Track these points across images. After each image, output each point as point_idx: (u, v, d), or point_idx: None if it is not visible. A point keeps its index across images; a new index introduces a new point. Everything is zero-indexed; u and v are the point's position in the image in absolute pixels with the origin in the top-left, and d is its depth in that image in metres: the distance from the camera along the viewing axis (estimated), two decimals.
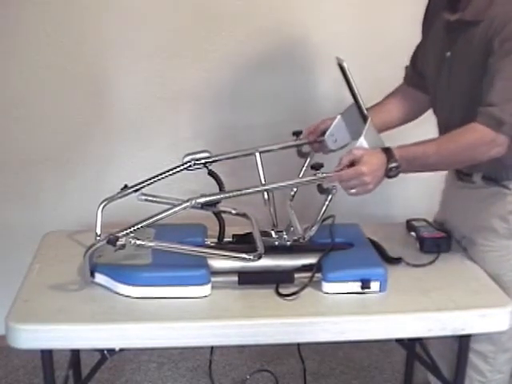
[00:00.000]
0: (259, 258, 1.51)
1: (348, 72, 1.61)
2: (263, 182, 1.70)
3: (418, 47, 1.84)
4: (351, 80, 1.62)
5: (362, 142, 1.56)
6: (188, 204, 1.54)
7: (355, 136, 1.69)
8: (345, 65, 1.61)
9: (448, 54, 1.64)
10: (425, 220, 1.89)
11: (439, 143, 1.56)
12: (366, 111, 1.65)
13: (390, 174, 1.51)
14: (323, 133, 1.78)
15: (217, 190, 1.73)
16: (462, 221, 1.78)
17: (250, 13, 2.37)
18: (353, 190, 1.51)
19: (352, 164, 1.50)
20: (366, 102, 1.72)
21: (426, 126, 1.82)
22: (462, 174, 1.75)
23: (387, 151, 1.52)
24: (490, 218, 1.68)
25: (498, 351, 1.70)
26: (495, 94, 1.49)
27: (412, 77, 1.87)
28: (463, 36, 1.60)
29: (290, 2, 2.39)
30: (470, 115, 1.55)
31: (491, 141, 1.50)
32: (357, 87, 1.64)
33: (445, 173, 1.88)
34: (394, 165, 1.51)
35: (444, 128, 1.73)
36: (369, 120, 1.61)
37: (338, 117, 1.76)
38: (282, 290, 1.54)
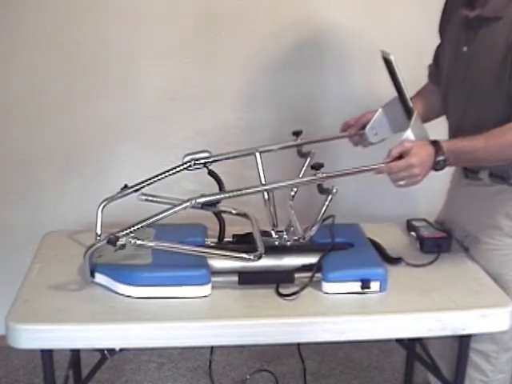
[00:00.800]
0: (259, 257, 1.50)
1: (395, 65, 1.61)
2: (263, 182, 1.70)
3: (439, 46, 1.84)
4: (398, 73, 1.62)
5: (409, 134, 1.56)
6: (188, 204, 1.54)
7: (396, 129, 1.71)
8: (392, 58, 1.61)
9: (465, 48, 1.64)
10: (425, 220, 1.88)
11: (486, 139, 1.55)
12: (411, 104, 1.65)
13: (437, 166, 1.53)
14: (363, 126, 1.79)
15: (217, 190, 1.73)
16: (466, 218, 1.78)
17: (250, 13, 2.37)
18: (401, 182, 1.52)
19: (401, 156, 1.50)
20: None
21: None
22: (468, 172, 1.75)
23: (435, 144, 1.53)
24: (496, 215, 1.68)
25: (500, 351, 1.70)
26: None
27: (435, 75, 1.86)
28: (482, 32, 1.59)
29: (290, 2, 2.39)
30: (483, 115, 1.54)
31: None
32: (404, 81, 1.64)
33: (449, 173, 1.88)
34: (441, 158, 1.52)
35: (455, 129, 1.73)
36: (415, 113, 1.61)
37: (380, 110, 1.78)
38: (282, 290, 1.54)
